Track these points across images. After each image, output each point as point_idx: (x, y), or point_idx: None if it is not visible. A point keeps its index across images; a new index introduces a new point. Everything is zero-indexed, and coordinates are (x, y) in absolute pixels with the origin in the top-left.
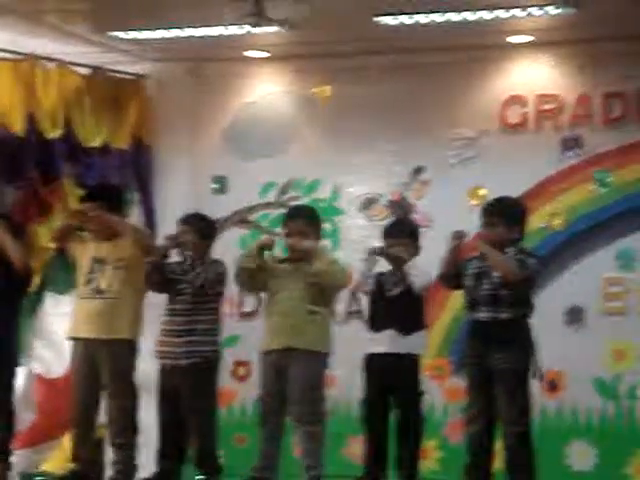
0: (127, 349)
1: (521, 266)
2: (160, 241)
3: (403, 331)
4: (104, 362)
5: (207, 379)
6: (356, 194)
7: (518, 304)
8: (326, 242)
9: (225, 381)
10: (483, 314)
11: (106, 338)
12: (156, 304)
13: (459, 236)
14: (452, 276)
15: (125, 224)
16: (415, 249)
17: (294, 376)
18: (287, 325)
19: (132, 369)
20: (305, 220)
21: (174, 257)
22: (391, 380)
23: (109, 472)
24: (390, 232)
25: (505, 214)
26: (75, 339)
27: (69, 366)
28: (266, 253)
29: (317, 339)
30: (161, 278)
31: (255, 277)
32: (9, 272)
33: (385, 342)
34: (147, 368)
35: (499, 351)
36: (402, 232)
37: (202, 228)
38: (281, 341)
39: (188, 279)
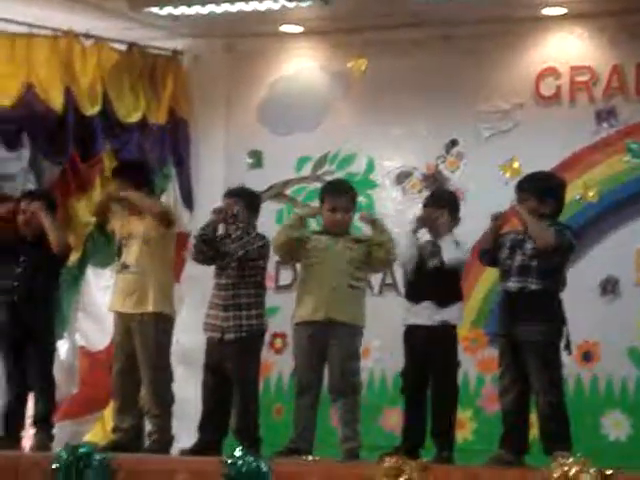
0: (156, 322)
1: (557, 234)
2: (208, 215)
3: (440, 303)
4: (136, 335)
5: (251, 351)
6: (390, 167)
7: (549, 276)
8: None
9: (262, 353)
10: (513, 284)
11: (135, 312)
12: (196, 277)
13: (496, 217)
14: (489, 253)
15: (143, 201)
16: (454, 219)
17: (333, 348)
18: (329, 297)
19: (163, 341)
20: (350, 196)
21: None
22: (428, 351)
23: (147, 442)
24: (430, 201)
25: (536, 189)
26: (114, 312)
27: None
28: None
29: (357, 313)
30: (211, 251)
31: (296, 247)
32: (47, 247)
33: (423, 314)
34: (189, 341)
35: (528, 322)
36: (442, 201)
37: (249, 200)
38: (322, 313)
39: (230, 250)
